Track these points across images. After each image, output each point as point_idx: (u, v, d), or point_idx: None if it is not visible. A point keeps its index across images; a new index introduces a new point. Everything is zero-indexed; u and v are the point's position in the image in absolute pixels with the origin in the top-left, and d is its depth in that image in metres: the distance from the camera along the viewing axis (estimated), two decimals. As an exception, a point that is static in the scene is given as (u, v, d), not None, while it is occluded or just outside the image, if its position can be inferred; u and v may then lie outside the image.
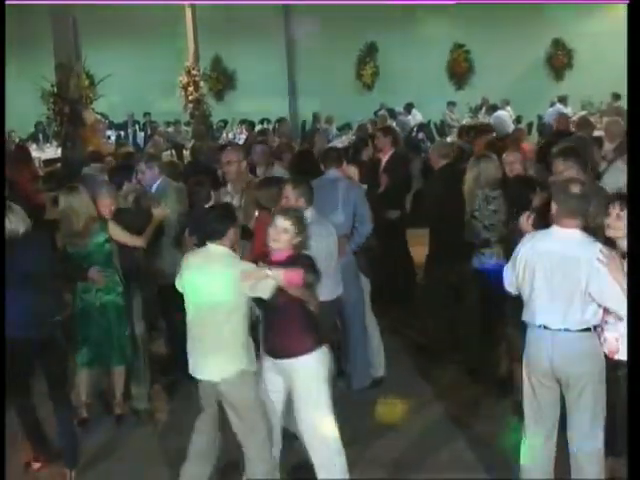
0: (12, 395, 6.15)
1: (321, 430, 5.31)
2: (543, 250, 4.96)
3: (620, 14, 21.39)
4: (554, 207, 4.98)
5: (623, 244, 4.84)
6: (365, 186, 8.29)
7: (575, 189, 4.94)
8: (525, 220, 5.58)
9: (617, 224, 4.86)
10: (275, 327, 5.30)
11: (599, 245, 4.79)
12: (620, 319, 4.79)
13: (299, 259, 5.23)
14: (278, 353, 5.31)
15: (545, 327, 4.94)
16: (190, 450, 5.53)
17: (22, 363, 6.09)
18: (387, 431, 6.54)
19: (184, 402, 6.78)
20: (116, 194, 7.30)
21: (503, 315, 6.90)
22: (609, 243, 4.90)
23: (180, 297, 5.46)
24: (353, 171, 8.01)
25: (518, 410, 5.76)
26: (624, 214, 4.81)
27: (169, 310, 7.45)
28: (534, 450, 5.19)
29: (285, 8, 24.17)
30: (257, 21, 23.11)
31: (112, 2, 17.02)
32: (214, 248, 5.29)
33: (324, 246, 6.01)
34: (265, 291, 5.06)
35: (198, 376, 5.36)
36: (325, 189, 7.15)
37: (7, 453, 6.01)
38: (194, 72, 19.70)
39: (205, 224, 5.44)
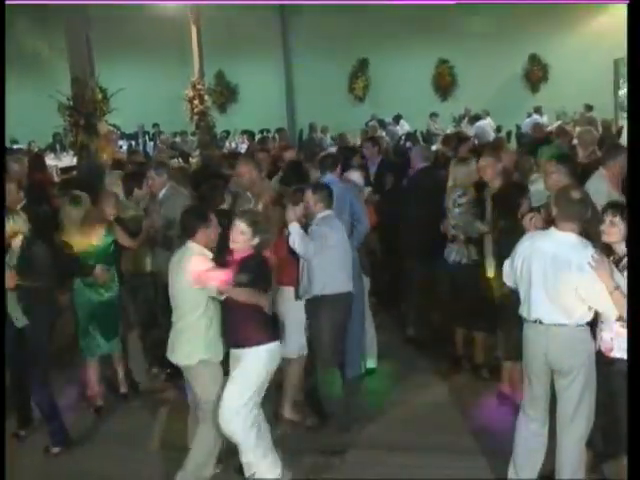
0: None
1: (225, 402, 5.34)
2: (539, 250, 4.98)
3: (592, 31, 21.44)
4: (554, 210, 4.99)
5: (619, 248, 4.82)
6: (369, 188, 8.28)
7: (575, 195, 4.95)
8: (528, 220, 5.56)
9: (611, 230, 4.83)
10: (226, 321, 5.42)
11: (591, 250, 4.77)
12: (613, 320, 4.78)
13: (248, 260, 5.30)
14: (230, 342, 5.44)
15: (540, 322, 4.95)
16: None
17: None
18: (379, 416, 6.55)
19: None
20: (116, 201, 7.34)
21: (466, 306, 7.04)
22: (606, 248, 4.87)
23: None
24: (357, 175, 7.98)
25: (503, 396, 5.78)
26: (617, 220, 4.78)
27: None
28: (528, 435, 5.18)
29: (283, 26, 24.17)
30: (257, 39, 23.07)
31: (119, 2, 16.72)
32: (189, 245, 5.42)
33: (344, 241, 6.17)
34: (212, 290, 5.25)
35: (171, 359, 5.56)
36: None
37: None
38: (199, 86, 19.65)
39: (180, 222, 5.60)
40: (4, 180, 7.89)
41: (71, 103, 13.10)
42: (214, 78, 24.09)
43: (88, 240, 6.85)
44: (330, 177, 7.45)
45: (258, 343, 5.31)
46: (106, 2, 14.16)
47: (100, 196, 7.37)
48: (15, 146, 19.93)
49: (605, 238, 4.87)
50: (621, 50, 20.07)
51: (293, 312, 6.36)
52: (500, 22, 21.38)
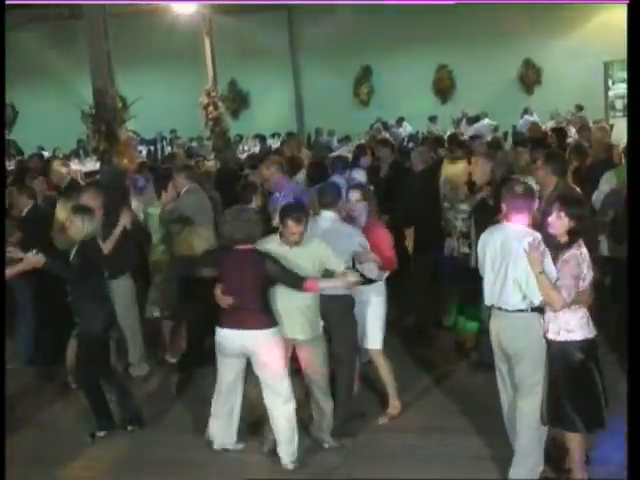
0: None
1: None
2: (491, 241, 5.10)
3: (582, 35, 21.37)
4: (503, 206, 5.12)
5: (562, 240, 4.87)
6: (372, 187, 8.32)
7: (519, 189, 5.03)
8: None
9: (556, 222, 4.89)
10: None
11: (530, 238, 4.83)
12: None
13: None
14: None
15: (493, 307, 5.11)
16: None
17: None
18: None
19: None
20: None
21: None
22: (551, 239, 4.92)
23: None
24: (362, 174, 8.02)
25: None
26: (563, 215, 4.85)
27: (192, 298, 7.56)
28: (506, 411, 5.30)
29: (291, 36, 24.17)
30: (267, 49, 23.05)
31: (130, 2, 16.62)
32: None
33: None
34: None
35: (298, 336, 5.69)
36: None
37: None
38: (213, 94, 19.65)
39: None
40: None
41: (93, 111, 13.13)
42: (227, 86, 24.12)
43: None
44: (339, 178, 7.53)
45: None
46: (118, 2, 14.01)
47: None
48: (45, 152, 20.03)
49: (550, 230, 4.94)
50: (610, 53, 20.14)
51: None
52: (496, 28, 21.33)
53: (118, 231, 7.25)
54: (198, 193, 7.94)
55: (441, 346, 7.74)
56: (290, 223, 5.45)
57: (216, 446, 5.86)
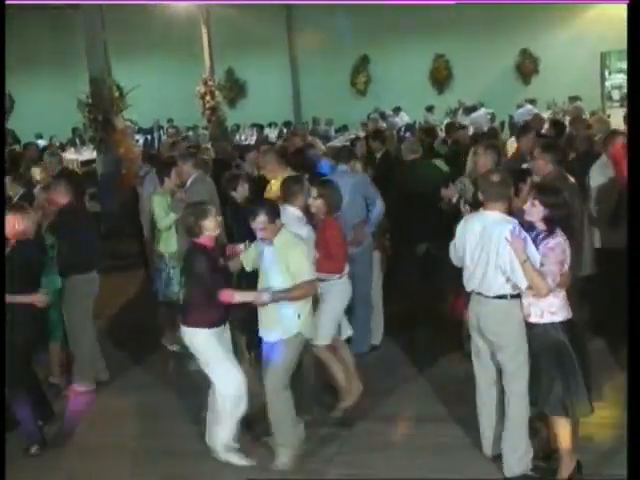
0: None
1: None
2: (470, 229, 5.16)
3: (579, 26, 21.35)
4: (480, 194, 5.19)
5: (539, 226, 4.95)
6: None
7: (495, 178, 5.11)
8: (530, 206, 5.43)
9: (532, 210, 4.95)
10: None
11: (510, 225, 4.91)
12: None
13: None
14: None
15: (474, 292, 5.16)
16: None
17: None
18: (385, 390, 6.58)
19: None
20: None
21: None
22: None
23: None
24: (358, 166, 8.02)
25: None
26: (537, 202, 4.93)
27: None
28: (481, 394, 5.35)
29: (288, 25, 24.09)
30: (264, 37, 23.00)
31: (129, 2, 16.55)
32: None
33: None
34: None
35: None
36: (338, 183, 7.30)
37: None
38: (210, 83, 19.64)
39: None
40: (4, 180, 7.88)
41: (90, 100, 13.13)
42: (224, 75, 24.08)
43: None
44: (343, 167, 7.55)
45: None
46: (117, 2, 14.04)
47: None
48: (40, 140, 20.01)
49: (527, 217, 5.00)
50: (606, 44, 20.12)
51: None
52: (493, 18, 21.29)
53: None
54: (206, 181, 7.94)
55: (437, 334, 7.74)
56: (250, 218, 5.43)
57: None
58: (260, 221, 5.33)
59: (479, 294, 5.12)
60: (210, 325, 5.47)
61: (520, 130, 9.00)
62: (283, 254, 5.38)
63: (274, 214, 5.39)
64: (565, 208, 4.98)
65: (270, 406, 5.50)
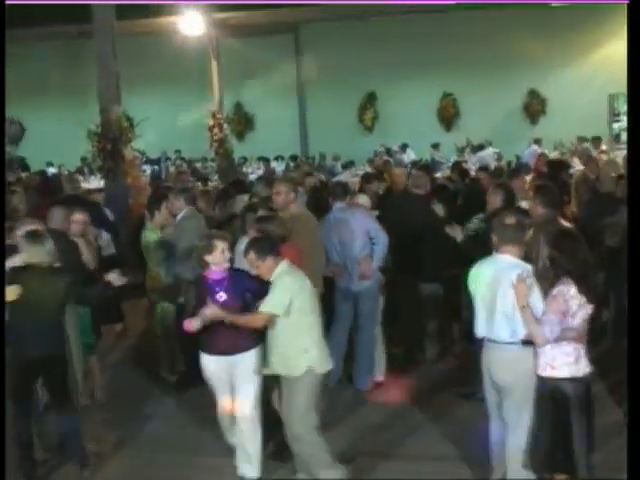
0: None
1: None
2: (482, 273, 5.08)
3: (587, 67, 21.52)
4: (493, 237, 5.08)
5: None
6: (376, 212, 8.29)
7: (510, 220, 5.04)
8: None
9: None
10: None
11: (519, 270, 4.81)
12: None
13: None
14: None
15: (485, 338, 5.06)
16: None
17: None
18: (387, 426, 6.54)
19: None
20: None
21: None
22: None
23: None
24: (365, 199, 8.00)
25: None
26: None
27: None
28: (494, 435, 5.27)
29: (297, 61, 24.32)
30: (272, 72, 23.19)
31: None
32: None
33: None
34: None
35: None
36: (341, 220, 7.34)
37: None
38: (218, 116, 19.81)
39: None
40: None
41: (99, 130, 13.22)
42: (232, 108, 24.26)
43: None
44: (339, 205, 7.55)
45: None
46: (127, 2, 13.95)
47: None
48: (50, 168, 20.22)
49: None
50: (614, 86, 20.25)
51: None
52: (502, 58, 21.47)
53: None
54: (197, 217, 7.90)
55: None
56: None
57: None
58: (250, 258, 5.38)
59: (490, 340, 5.03)
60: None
61: (511, 172, 9.00)
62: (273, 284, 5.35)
63: (264, 250, 5.35)
64: (572, 255, 4.73)
65: (301, 451, 5.43)
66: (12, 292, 5.53)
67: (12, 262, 5.80)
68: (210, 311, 5.29)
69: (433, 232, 7.60)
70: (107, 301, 6.76)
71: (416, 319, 8.05)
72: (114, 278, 5.95)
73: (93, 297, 6.24)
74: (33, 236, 5.84)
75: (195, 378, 6.92)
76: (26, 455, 5.85)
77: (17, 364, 5.74)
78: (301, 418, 5.32)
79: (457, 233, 6.97)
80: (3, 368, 5.72)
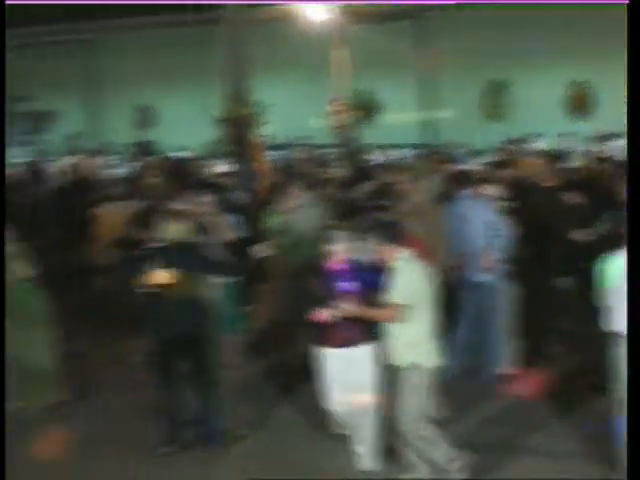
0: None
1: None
2: (616, 266, 4.92)
3: None
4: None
5: None
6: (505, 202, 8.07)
7: None
8: None
9: None
10: None
11: None
12: None
13: None
14: None
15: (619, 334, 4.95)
16: None
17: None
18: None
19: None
20: None
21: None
22: None
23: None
24: (493, 189, 7.79)
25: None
26: None
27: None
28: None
29: (422, 48, 24.04)
30: (394, 58, 23.00)
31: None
32: None
33: None
34: None
35: None
36: (464, 210, 7.27)
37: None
38: (342, 102, 19.86)
39: None
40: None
41: (229, 115, 13.47)
42: (357, 95, 24.28)
43: None
44: (464, 194, 7.42)
45: None
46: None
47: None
48: (183, 153, 20.81)
49: None
50: None
51: None
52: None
53: None
54: (318, 205, 7.93)
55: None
56: None
57: None
58: (372, 243, 5.38)
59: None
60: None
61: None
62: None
63: (386, 236, 5.33)
64: None
65: (414, 446, 5.34)
66: (164, 277, 5.65)
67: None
68: (349, 307, 5.30)
69: (563, 225, 7.36)
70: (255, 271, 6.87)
71: (547, 313, 7.82)
72: (260, 249, 6.07)
73: (240, 268, 6.35)
74: (177, 214, 6.03)
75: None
76: (170, 431, 6.04)
77: (159, 341, 5.90)
78: (411, 413, 5.23)
79: (583, 235, 6.73)
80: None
